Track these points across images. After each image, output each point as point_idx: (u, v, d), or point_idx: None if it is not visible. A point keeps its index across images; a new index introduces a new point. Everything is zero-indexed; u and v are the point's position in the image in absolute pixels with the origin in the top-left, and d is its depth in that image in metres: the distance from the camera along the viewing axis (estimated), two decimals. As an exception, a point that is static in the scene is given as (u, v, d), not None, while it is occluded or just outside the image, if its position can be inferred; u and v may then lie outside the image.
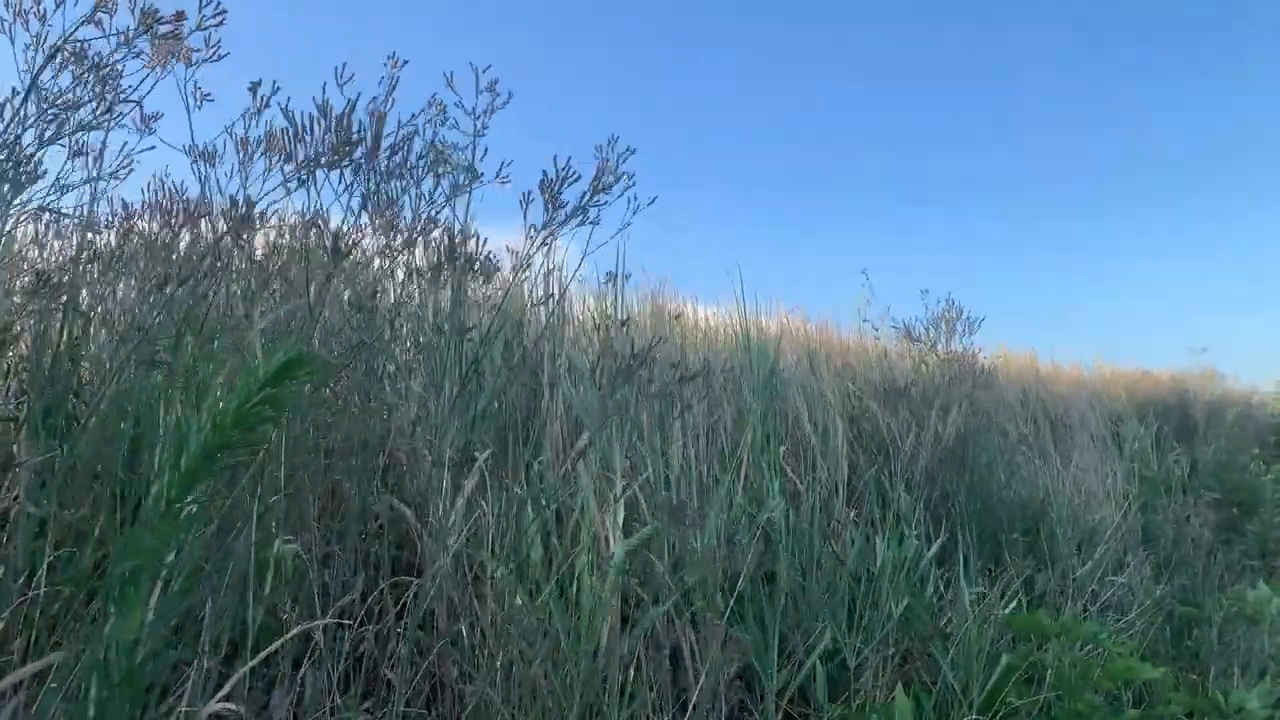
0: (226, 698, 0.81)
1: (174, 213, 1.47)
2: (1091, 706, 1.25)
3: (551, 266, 1.71)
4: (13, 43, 1.13)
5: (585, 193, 1.31)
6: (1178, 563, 2.57)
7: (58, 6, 1.12)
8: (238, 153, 1.24)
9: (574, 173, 1.30)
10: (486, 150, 1.31)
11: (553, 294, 1.72)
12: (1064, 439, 3.33)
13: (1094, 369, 6.07)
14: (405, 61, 1.28)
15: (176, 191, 1.48)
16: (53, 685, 0.70)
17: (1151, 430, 3.90)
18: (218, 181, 1.32)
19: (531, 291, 1.84)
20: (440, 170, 1.32)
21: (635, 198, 1.35)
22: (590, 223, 1.34)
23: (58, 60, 1.12)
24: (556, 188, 1.30)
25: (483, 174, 1.32)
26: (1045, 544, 2.28)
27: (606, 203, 1.33)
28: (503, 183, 1.35)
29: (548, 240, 1.34)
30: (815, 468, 1.98)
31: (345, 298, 1.45)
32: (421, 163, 1.33)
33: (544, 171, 1.29)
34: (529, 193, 1.32)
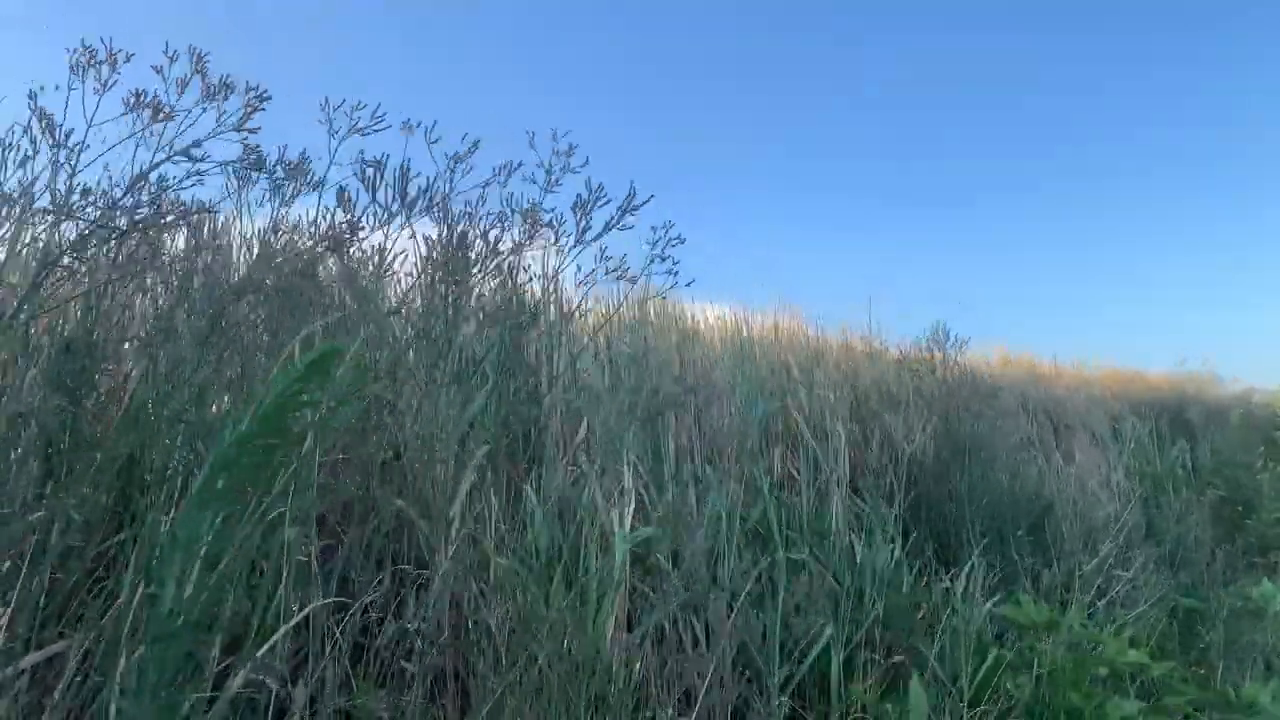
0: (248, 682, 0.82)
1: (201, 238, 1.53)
2: (1087, 695, 1.25)
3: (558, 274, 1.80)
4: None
5: (610, 219, 1.52)
6: (1182, 559, 2.57)
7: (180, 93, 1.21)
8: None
9: (606, 197, 1.52)
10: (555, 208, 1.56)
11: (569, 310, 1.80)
12: (1065, 438, 3.33)
13: (1092, 368, 6.13)
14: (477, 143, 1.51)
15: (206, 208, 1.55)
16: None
17: (1150, 426, 3.91)
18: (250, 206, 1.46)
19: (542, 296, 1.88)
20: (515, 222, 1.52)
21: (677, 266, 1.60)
22: (628, 279, 1.57)
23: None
24: (589, 208, 1.52)
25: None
26: (1050, 541, 2.28)
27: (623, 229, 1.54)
28: (547, 246, 1.58)
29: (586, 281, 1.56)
30: (815, 469, 1.98)
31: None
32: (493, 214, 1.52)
33: (578, 195, 1.52)
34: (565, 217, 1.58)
